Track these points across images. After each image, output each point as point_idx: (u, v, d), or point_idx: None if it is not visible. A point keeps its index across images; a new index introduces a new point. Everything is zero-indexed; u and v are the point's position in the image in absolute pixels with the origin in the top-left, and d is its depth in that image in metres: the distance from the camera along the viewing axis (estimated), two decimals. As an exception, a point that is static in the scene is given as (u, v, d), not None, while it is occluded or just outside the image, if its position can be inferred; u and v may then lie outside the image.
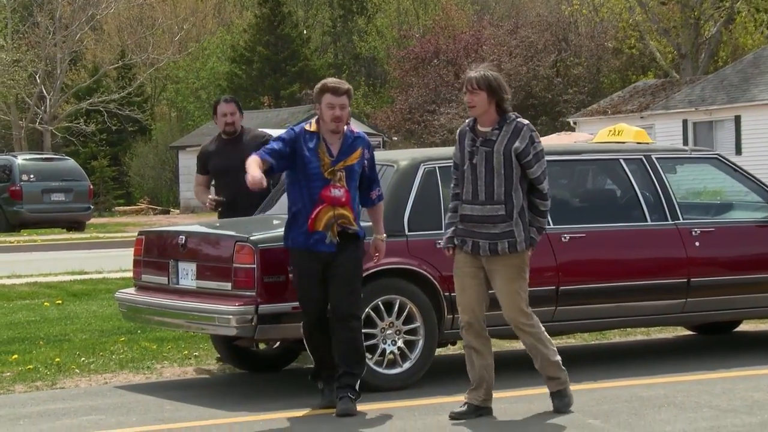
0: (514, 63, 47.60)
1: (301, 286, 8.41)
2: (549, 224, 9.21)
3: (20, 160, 33.33)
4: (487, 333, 8.20)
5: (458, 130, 8.27)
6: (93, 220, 34.03)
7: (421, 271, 9.24)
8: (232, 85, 63.55)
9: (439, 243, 9.31)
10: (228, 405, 8.71)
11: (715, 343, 11.31)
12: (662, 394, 8.85)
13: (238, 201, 10.25)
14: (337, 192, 8.21)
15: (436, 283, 9.25)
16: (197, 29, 68.55)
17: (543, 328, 8.22)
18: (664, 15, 48.67)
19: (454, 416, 8.03)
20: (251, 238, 8.83)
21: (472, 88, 8.01)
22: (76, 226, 32.68)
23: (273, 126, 43.93)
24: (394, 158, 9.84)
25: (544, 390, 8.55)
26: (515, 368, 9.84)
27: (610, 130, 11.35)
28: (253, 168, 8.05)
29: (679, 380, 9.41)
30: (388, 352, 9.17)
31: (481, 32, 52.81)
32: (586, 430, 7.77)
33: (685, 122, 39.84)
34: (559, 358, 8.22)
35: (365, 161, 8.40)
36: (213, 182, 10.71)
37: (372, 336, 9.10)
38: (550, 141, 31.60)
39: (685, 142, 38.52)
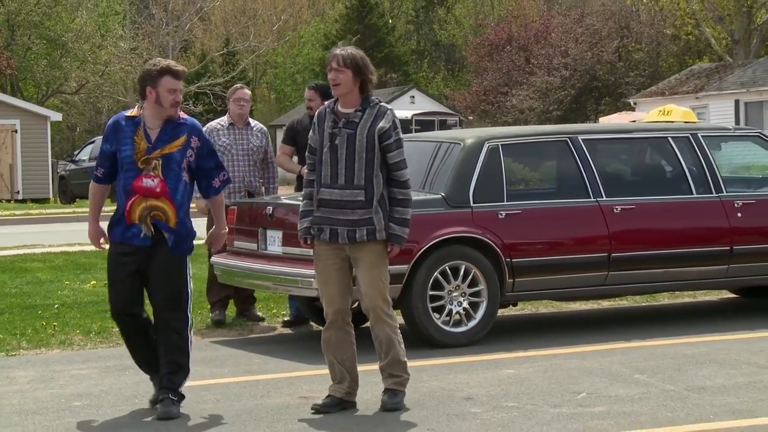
0: (579, 49, 47.13)
1: (109, 285, 7.17)
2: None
3: (135, 137, 33.61)
4: (351, 326, 7.12)
5: (317, 112, 7.14)
6: (198, 192, 34.22)
7: (485, 239, 9.20)
8: (325, 69, 63.53)
9: (501, 214, 9.30)
10: (310, 359, 8.73)
11: (757, 305, 11.13)
12: (705, 351, 8.74)
13: None
14: (150, 182, 6.91)
15: (498, 250, 9.21)
16: (294, 19, 68.65)
17: (398, 324, 7.14)
18: (719, 3, 47.81)
19: (317, 409, 7.03)
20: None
21: (338, 66, 6.93)
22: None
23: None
24: (461, 136, 9.80)
25: (597, 347, 8.50)
26: (571, 327, 9.78)
27: (659, 110, 11.22)
28: (95, 222, 7.14)
29: (721, 339, 9.28)
30: (454, 312, 9.15)
31: (550, 21, 52.32)
32: (632, 384, 7.68)
33: (737, 102, 39.23)
34: (406, 359, 7.12)
35: (193, 149, 7.03)
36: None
37: (440, 298, 9.10)
38: (611, 119, 31.31)
39: (737, 122, 37.96)
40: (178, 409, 7.03)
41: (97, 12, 54.68)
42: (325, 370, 8.10)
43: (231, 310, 10.68)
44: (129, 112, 7.05)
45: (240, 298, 10.52)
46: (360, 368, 7.20)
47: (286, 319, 10.47)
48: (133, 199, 6.92)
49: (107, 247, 7.16)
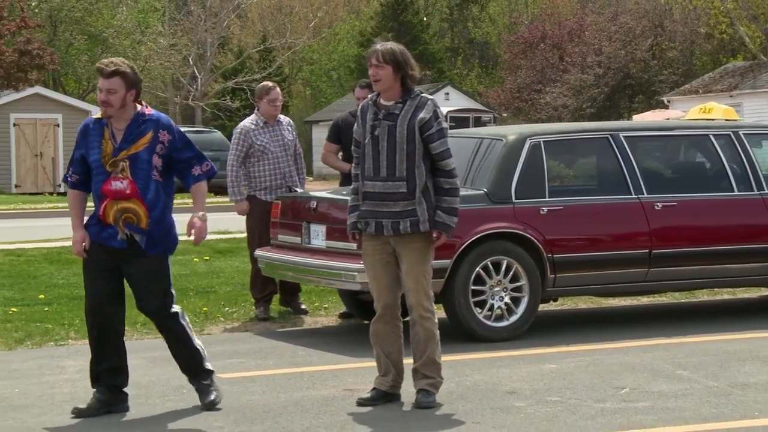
0: (613, 47, 46.84)
1: (85, 279, 6.94)
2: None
3: (174, 132, 33.82)
4: (400, 320, 7.08)
5: (360, 106, 7.07)
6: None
7: (527, 234, 9.17)
8: (360, 66, 63.44)
9: (543, 210, 9.26)
10: (353, 352, 8.74)
11: (796, 303, 11.05)
12: (746, 348, 8.66)
13: None
14: (119, 184, 6.65)
15: (539, 245, 9.17)
16: (329, 16, 68.66)
17: (437, 322, 7.05)
18: (753, 2, 47.41)
19: (362, 402, 7.00)
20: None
21: (378, 62, 6.81)
22: (223, 190, 32.99)
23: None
24: (502, 133, 9.76)
25: (638, 343, 8.43)
26: (612, 323, 9.72)
27: (701, 108, 11.12)
28: (78, 228, 6.79)
29: (763, 336, 9.20)
30: (495, 307, 9.12)
31: (583, 19, 52.07)
32: (675, 379, 7.63)
33: (771, 100, 38.95)
34: (441, 362, 7.02)
35: (162, 143, 6.70)
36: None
37: (481, 293, 9.07)
38: (644, 117, 31.12)
39: (771, 119, 37.66)
40: (216, 392, 7.01)
41: (137, 8, 54.90)
42: (369, 363, 8.08)
43: (274, 303, 10.69)
44: (97, 114, 6.82)
45: (285, 288, 10.50)
46: (407, 361, 7.18)
47: (342, 311, 10.45)
48: (105, 203, 6.70)
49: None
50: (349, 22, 70.27)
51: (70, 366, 8.39)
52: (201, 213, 6.78)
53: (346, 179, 10.43)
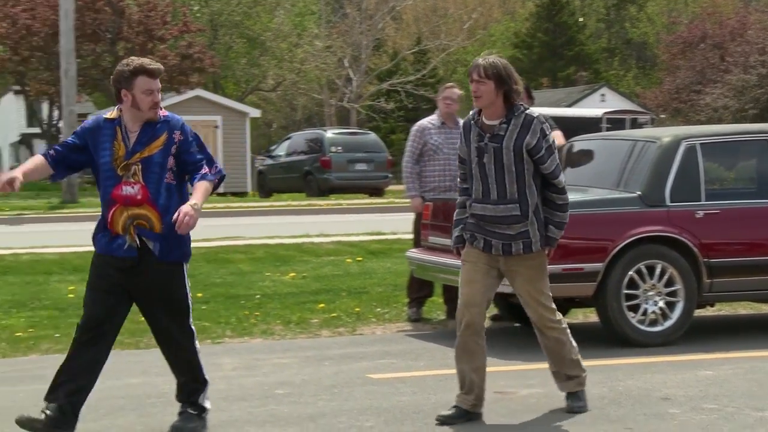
0: (778, 46, 45.61)
1: (88, 294, 6.36)
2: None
3: (329, 134, 34.28)
4: (484, 334, 6.72)
5: (462, 122, 6.76)
6: (391, 187, 34.64)
7: (681, 238, 9.01)
8: (515, 67, 63.31)
9: (699, 213, 9.09)
10: (504, 354, 8.71)
11: None
12: None
13: None
14: (130, 189, 6.19)
15: (695, 249, 9.01)
16: (484, 18, 68.56)
17: (566, 325, 6.88)
18: None
19: (442, 420, 6.67)
20: (527, 206, 8.80)
21: (479, 77, 6.49)
22: (377, 192, 33.32)
23: (550, 105, 43.70)
24: (656, 135, 9.62)
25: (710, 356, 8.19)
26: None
27: None
28: (19, 170, 6.23)
29: None
30: (650, 311, 9.00)
31: (747, 18, 50.83)
32: (738, 396, 7.41)
33: None
34: (579, 357, 6.90)
35: (176, 143, 6.26)
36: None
37: (635, 297, 8.96)
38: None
39: None
40: (200, 424, 6.51)
41: (293, 11, 55.74)
42: (520, 366, 8.08)
43: (428, 306, 10.75)
44: (108, 114, 6.34)
45: (449, 297, 10.53)
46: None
47: (494, 313, 10.45)
48: (114, 209, 6.22)
49: (12, 188, 6.13)
50: (503, 23, 70.06)
51: (226, 363, 8.59)
52: (195, 203, 6.13)
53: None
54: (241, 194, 38.00)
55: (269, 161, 37.20)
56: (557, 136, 10.45)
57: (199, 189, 6.23)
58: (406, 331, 9.95)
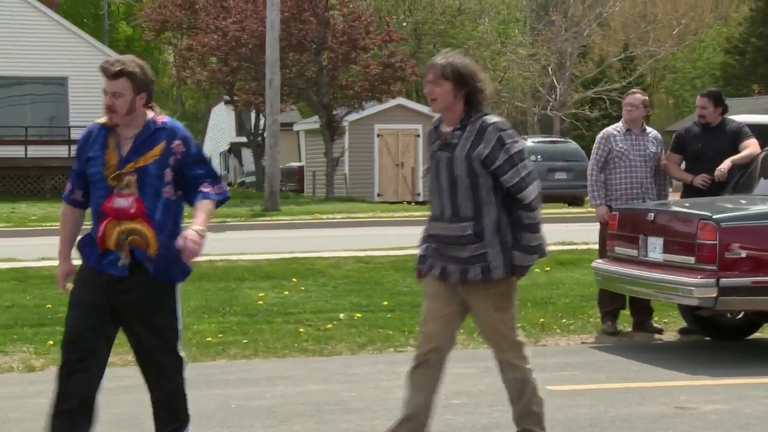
0: None
1: (70, 314, 5.71)
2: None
3: (530, 142, 34.11)
4: (443, 370, 5.96)
5: (428, 131, 5.97)
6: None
7: None
8: (725, 74, 61.70)
9: None
10: (689, 369, 8.51)
11: None
12: None
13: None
14: (123, 201, 5.59)
15: None
16: (695, 23, 66.98)
17: (532, 368, 5.99)
18: None
19: None
20: (714, 216, 8.60)
21: (434, 77, 5.68)
22: (575, 201, 32.98)
23: (761, 111, 42.31)
24: None
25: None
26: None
27: None
28: (63, 252, 5.80)
29: None
30: None
31: None
32: None
33: None
34: (543, 412, 6.03)
35: (176, 155, 5.65)
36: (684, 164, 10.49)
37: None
38: None
39: None
40: None
41: (498, 19, 55.79)
42: (705, 381, 7.90)
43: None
44: (102, 119, 5.77)
45: (636, 309, 10.36)
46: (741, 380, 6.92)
47: (682, 326, 10.24)
48: (105, 223, 5.63)
49: (70, 287, 5.78)
50: (715, 28, 68.31)
51: (406, 372, 8.63)
52: (199, 227, 5.58)
53: (687, 190, 10.28)
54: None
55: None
56: (752, 145, 10.15)
57: (202, 210, 5.67)
58: (590, 343, 9.82)
